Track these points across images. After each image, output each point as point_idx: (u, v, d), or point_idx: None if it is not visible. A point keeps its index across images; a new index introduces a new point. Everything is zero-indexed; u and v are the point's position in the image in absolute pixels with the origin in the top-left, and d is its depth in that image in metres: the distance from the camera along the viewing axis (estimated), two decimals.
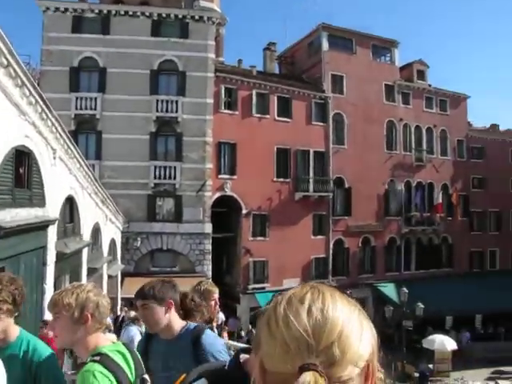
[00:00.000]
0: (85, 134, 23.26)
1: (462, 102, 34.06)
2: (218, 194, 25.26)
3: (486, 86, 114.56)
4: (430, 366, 21.87)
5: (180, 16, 24.17)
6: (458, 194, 32.51)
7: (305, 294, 0.85)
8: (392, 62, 31.75)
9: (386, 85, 30.72)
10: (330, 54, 29.14)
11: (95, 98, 23.12)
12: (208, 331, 2.93)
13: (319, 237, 28.31)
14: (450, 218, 32.03)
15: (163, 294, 2.88)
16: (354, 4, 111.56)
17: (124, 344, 2.43)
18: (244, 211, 25.99)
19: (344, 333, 0.79)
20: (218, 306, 4.05)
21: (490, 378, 20.92)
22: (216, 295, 4.00)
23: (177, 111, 23.63)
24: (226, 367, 1.63)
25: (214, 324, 4.34)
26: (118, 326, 13.62)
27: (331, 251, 28.49)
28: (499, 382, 20.30)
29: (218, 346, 2.84)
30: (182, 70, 23.96)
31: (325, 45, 29.17)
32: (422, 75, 32.54)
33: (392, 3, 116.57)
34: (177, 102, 23.64)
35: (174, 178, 23.65)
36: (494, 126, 38.07)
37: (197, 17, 24.22)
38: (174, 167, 23.65)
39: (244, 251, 26.08)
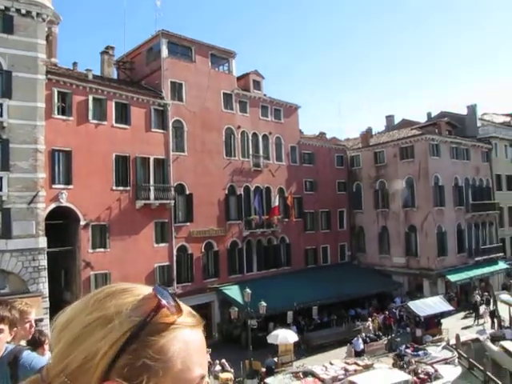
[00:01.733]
0: None
1: (294, 111, 36.54)
2: (52, 205, 23.42)
3: (314, 99, 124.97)
4: (275, 359, 23.05)
5: (2, 7, 21.60)
6: (293, 197, 34.76)
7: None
8: (230, 71, 32.81)
9: (224, 93, 31.64)
10: (170, 61, 29.08)
11: None
12: (27, 351, 2.72)
13: (162, 244, 27.96)
14: (287, 220, 34.10)
15: (16, 318, 2.66)
16: (195, 14, 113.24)
17: None
18: (82, 222, 24.53)
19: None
20: (33, 329, 3.64)
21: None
22: (31, 316, 3.65)
23: (2, 115, 21.24)
24: None
25: (46, 346, 4.00)
26: None
27: (175, 258, 28.31)
28: (332, 361, 22.32)
29: (40, 364, 2.61)
30: (7, 69, 21.54)
31: (164, 52, 28.99)
32: (257, 85, 34.20)
33: (231, 17, 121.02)
34: (1, 104, 21.30)
35: (1, 189, 21.29)
36: (322, 134, 41.65)
37: (23, 11, 21.91)
38: (1, 177, 21.30)
39: (84, 264, 24.60)
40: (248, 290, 23.36)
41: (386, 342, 26.64)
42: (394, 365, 21.27)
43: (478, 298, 33.09)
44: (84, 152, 24.35)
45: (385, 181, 38.00)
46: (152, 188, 27.24)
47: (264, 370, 22.15)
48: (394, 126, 45.19)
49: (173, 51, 29.59)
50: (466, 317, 32.49)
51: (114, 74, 31.35)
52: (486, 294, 34.29)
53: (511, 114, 51.64)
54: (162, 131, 28.22)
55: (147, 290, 0.78)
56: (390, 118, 46.83)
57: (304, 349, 25.91)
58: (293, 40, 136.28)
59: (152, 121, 27.82)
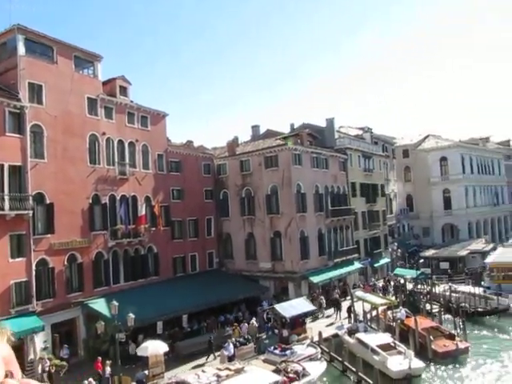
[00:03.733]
0: None
1: (162, 119, 36.05)
2: None
3: (182, 108, 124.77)
4: (146, 372, 22.42)
5: None
6: (160, 206, 34.30)
7: None
8: (95, 75, 31.34)
9: (88, 98, 30.17)
10: (27, 60, 26.88)
11: None
12: None
13: (19, 259, 25.68)
14: (154, 229, 33.50)
15: None
16: (59, 14, 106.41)
17: None
18: None
19: None
20: None
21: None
22: None
23: None
24: None
25: None
26: None
27: (34, 273, 26.18)
28: (204, 368, 22.48)
29: None
30: None
31: (21, 49, 26.69)
32: (124, 91, 33.13)
33: (98, 22, 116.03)
34: None
35: None
36: (190, 143, 41.73)
37: None
38: None
39: None
40: (115, 303, 22.51)
41: (255, 345, 27.36)
42: (276, 371, 21.89)
43: (336, 296, 35.93)
44: None
45: (251, 189, 39.12)
46: (6, 197, 24.99)
47: None
48: (259, 135, 46.91)
49: (31, 49, 27.42)
50: (315, 316, 34.68)
51: None
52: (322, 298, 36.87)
53: (363, 128, 56.74)
54: (18, 136, 26.04)
55: None
56: (255, 128, 48.51)
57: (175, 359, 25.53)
58: (162, 50, 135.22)
59: (6, 124, 25.54)
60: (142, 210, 32.73)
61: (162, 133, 36.13)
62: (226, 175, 40.74)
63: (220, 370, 22.08)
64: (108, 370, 22.65)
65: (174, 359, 25.12)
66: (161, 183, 35.09)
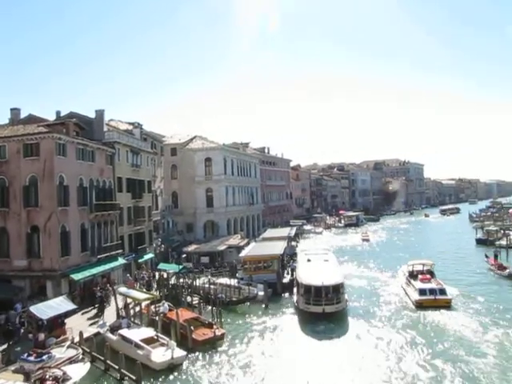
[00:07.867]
0: None
1: None
2: None
3: None
4: None
5: None
6: None
7: None
8: None
9: None
10: None
11: None
12: None
13: None
14: None
15: None
16: None
17: None
18: None
19: None
20: None
21: None
22: None
23: None
24: None
25: None
26: None
27: None
28: None
29: None
30: None
31: None
32: None
33: None
34: None
35: None
36: None
37: None
38: None
39: None
40: None
41: (3, 353, 24.56)
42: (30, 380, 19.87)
43: (99, 293, 34.89)
44: None
45: (5, 178, 35.10)
46: None
47: None
48: (19, 120, 42.35)
49: None
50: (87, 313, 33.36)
51: None
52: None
53: (133, 123, 56.39)
54: None
55: None
56: (15, 112, 43.44)
57: None
58: None
59: None
60: None
61: None
62: None
63: None
64: None
65: None
66: None
